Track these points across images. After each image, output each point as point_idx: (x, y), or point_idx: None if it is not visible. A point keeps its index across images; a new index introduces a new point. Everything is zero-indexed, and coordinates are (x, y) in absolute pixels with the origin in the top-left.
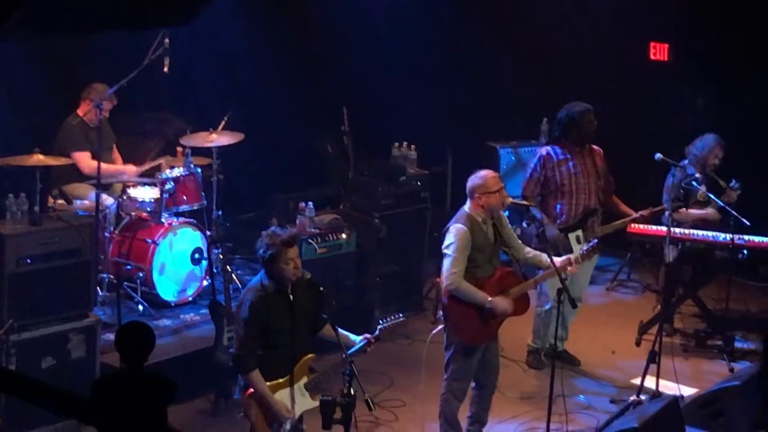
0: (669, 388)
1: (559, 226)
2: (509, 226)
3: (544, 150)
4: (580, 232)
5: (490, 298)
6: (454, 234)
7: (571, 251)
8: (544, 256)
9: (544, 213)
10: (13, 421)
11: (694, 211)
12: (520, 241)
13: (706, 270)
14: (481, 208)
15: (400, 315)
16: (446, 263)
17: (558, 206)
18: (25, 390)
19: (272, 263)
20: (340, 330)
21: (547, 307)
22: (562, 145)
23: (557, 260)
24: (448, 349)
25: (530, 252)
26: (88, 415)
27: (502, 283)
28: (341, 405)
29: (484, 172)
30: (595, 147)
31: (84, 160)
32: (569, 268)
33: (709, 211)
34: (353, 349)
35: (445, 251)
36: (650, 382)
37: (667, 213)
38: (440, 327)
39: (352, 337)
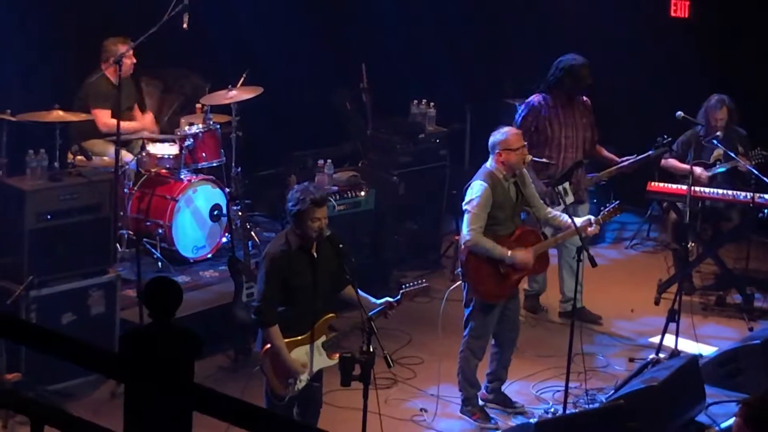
0: (688, 346)
1: (547, 178)
2: (532, 185)
3: (534, 100)
4: (567, 184)
5: (510, 252)
6: (474, 190)
7: (559, 204)
8: (565, 217)
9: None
10: (33, 376)
11: (675, 163)
12: (542, 201)
13: (723, 230)
14: (502, 165)
15: (423, 281)
16: (466, 219)
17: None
18: (53, 344)
19: (299, 219)
20: (361, 293)
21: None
22: (554, 96)
23: (578, 220)
24: (467, 306)
25: (551, 212)
26: (115, 369)
27: (521, 241)
28: (360, 362)
29: (507, 129)
30: (584, 98)
31: (102, 117)
32: (589, 228)
33: (695, 170)
34: (374, 311)
35: (465, 207)
36: (669, 341)
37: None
38: (458, 283)
39: (373, 300)
